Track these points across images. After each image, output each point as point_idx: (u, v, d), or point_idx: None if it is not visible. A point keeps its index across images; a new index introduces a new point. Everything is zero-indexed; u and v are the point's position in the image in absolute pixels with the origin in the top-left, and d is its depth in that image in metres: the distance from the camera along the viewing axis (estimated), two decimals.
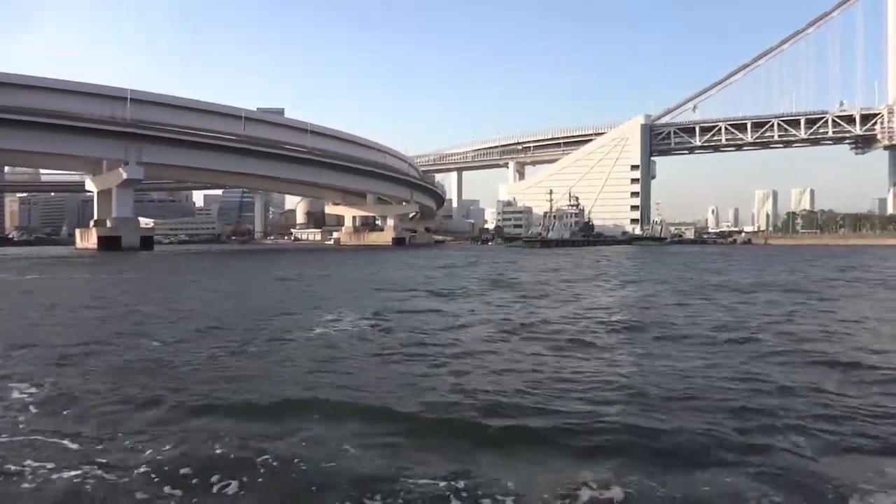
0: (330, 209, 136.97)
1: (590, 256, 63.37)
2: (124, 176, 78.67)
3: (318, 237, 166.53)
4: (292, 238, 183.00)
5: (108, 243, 77.23)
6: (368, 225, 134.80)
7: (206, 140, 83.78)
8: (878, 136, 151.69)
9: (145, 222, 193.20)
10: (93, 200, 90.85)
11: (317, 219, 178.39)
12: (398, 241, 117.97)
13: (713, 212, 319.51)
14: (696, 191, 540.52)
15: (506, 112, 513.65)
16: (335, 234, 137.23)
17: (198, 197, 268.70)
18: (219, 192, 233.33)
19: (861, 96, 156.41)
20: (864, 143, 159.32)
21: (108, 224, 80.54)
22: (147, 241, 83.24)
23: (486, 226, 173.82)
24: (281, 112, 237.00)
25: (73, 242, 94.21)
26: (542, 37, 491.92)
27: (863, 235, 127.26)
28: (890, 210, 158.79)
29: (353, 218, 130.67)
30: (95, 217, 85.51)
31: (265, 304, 18.32)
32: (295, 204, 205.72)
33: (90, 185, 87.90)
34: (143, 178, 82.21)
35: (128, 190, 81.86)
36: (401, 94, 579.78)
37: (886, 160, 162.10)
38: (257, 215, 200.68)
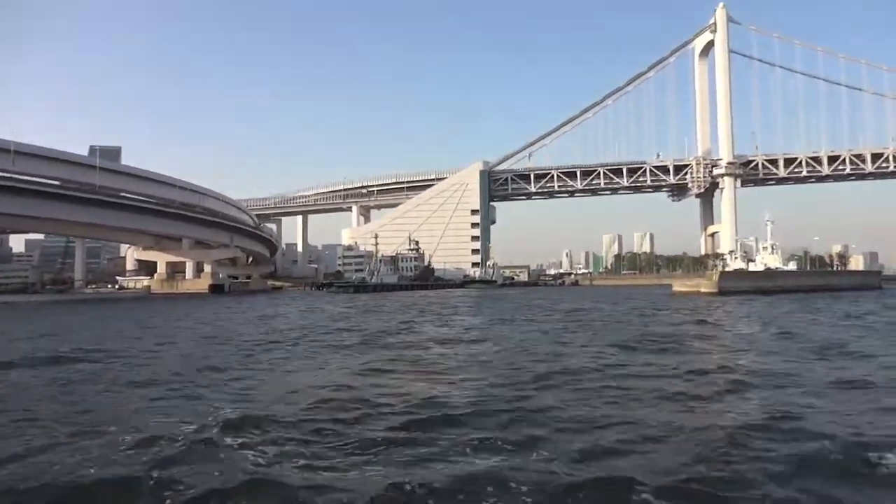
0: (140, 255, 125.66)
1: (371, 302, 60.90)
2: None
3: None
4: (117, 286, 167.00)
5: None
6: (201, 271, 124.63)
7: None
8: (689, 185, 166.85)
9: None
10: None
11: (149, 265, 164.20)
12: (216, 288, 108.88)
13: (567, 254, 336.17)
14: (558, 234, 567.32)
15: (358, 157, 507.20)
16: (145, 282, 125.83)
17: (18, 242, 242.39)
18: (41, 236, 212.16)
19: (674, 149, 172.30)
20: (679, 191, 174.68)
21: None
22: None
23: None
24: (117, 152, 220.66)
25: None
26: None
27: (674, 275, 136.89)
28: (702, 251, 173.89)
29: (167, 264, 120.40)
30: None
31: None
32: (125, 250, 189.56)
33: None
34: None
35: None
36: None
37: (698, 207, 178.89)
38: (77, 262, 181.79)
